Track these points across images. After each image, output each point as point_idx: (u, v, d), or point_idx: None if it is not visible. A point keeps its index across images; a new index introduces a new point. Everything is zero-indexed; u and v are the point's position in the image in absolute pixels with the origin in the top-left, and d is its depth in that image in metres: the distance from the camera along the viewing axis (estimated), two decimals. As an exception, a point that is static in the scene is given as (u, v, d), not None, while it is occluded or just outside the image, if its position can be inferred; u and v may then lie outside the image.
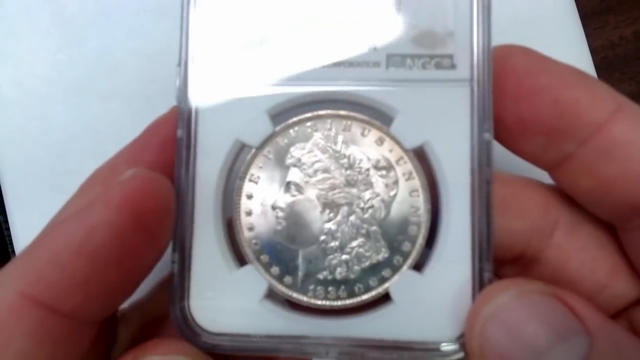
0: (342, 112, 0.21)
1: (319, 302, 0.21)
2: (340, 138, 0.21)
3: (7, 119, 0.33)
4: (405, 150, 0.21)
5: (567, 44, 0.32)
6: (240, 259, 0.21)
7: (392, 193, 0.21)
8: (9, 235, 0.33)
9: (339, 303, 0.21)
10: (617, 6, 0.35)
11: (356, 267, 0.21)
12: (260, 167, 0.22)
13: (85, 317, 0.19)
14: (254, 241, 0.21)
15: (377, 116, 0.21)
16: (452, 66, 0.21)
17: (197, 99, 0.21)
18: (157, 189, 0.19)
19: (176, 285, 0.21)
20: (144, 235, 0.19)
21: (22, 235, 0.32)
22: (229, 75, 0.22)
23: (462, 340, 0.20)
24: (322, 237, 0.21)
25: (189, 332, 0.21)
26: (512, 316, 0.17)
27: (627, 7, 0.35)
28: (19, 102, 0.33)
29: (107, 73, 0.32)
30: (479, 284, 0.20)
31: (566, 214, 0.21)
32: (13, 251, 0.33)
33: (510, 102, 0.20)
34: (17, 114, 0.33)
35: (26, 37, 0.33)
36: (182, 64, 0.21)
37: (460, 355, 0.20)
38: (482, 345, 0.18)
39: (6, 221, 0.32)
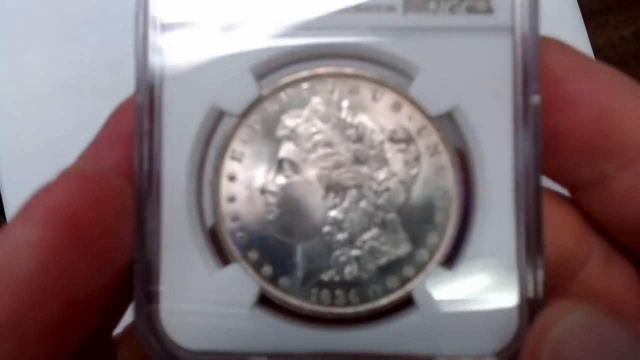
0: (348, 70, 0.17)
1: (325, 310, 0.17)
2: (345, 103, 0.17)
3: (5, 116, 0.33)
4: (429, 118, 0.17)
5: (569, 44, 0.31)
6: (223, 257, 0.17)
7: (413, 172, 0.17)
8: None
9: (350, 310, 0.17)
10: (617, 6, 0.35)
11: (370, 265, 0.17)
12: (245, 141, 0.17)
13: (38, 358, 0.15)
14: (239, 234, 0.17)
15: (393, 75, 0.17)
16: (489, 10, 0.16)
17: (162, 54, 0.17)
18: (98, 189, 0.15)
19: (141, 293, 0.17)
20: (84, 253, 0.15)
21: None
22: (202, 24, 0.17)
23: (507, 354, 0.16)
24: (326, 228, 0.17)
25: (161, 351, 0.17)
26: (590, 337, 0.14)
27: (627, 7, 0.35)
28: (17, 100, 0.33)
29: (106, 70, 0.33)
30: (528, 282, 0.16)
31: (600, 245, 0.18)
32: None
33: (545, 108, 0.17)
34: (15, 112, 0.33)
35: (24, 34, 0.34)
36: (142, 7, 0.17)
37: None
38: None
39: (5, 220, 0.34)
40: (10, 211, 0.32)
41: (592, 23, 0.33)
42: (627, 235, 0.18)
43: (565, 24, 0.32)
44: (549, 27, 0.31)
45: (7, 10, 0.34)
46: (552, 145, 0.17)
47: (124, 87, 0.32)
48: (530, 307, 0.16)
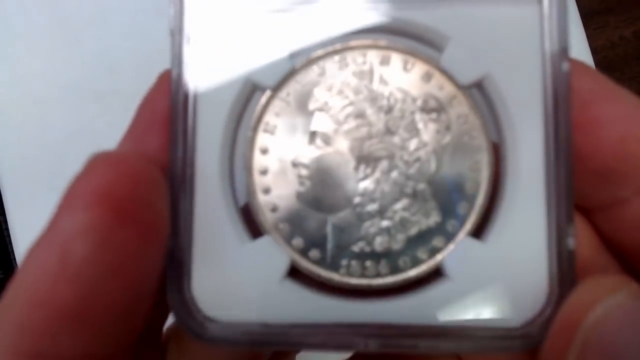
0: (379, 42, 0.17)
1: (354, 281, 0.17)
2: (376, 74, 0.17)
3: (5, 119, 0.33)
4: (460, 87, 0.17)
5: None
6: (254, 230, 0.17)
7: (444, 141, 0.17)
8: (9, 235, 0.34)
9: (380, 281, 0.17)
10: (617, 6, 0.35)
11: (400, 236, 0.17)
12: (277, 114, 0.17)
13: (104, 351, 0.15)
14: (271, 207, 0.17)
15: (423, 46, 0.17)
16: (517, -20, 0.17)
17: (196, 30, 0.17)
18: (127, 168, 0.15)
19: (174, 266, 0.17)
20: (132, 228, 0.15)
21: (21, 235, 0.33)
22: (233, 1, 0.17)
23: (536, 324, 0.16)
24: (357, 200, 0.17)
25: (193, 323, 0.17)
26: (632, 322, 0.14)
27: (627, 7, 0.35)
28: (17, 103, 0.33)
29: (105, 73, 0.33)
30: (558, 252, 0.16)
31: (615, 262, 0.18)
32: (12, 250, 0.34)
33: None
34: (15, 114, 0.33)
35: (24, 37, 0.34)
36: (177, -14, 0.17)
37: (532, 343, 0.16)
38: (590, 344, 0.14)
39: (5, 221, 0.33)
40: (10, 211, 0.33)
41: (592, 23, 0.34)
42: (638, 258, 0.17)
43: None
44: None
45: (7, 14, 0.34)
46: (574, 168, 0.17)
47: (123, 91, 0.34)
48: (560, 277, 0.16)
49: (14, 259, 0.33)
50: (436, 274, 0.17)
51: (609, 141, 0.16)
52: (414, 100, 0.17)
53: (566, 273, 0.16)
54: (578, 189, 0.17)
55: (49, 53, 0.33)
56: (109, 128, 0.31)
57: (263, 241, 0.17)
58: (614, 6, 0.35)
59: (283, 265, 0.17)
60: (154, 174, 0.16)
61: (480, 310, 0.16)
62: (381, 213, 0.17)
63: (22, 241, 0.33)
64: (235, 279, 0.17)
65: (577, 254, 0.16)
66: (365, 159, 0.17)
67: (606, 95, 0.16)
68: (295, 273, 0.17)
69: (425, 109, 0.17)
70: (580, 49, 0.32)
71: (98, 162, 0.15)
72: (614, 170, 0.16)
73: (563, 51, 0.16)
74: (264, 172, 0.17)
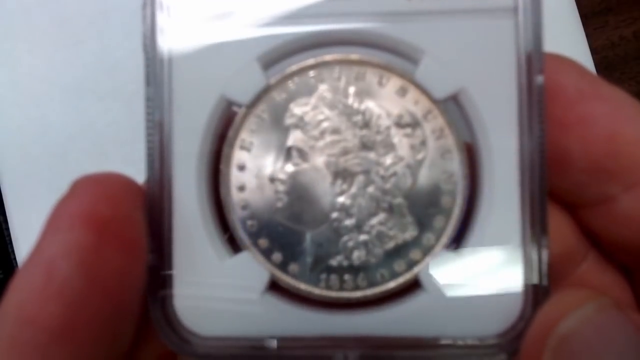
0: (354, 57, 0.17)
1: (333, 294, 0.17)
2: (352, 89, 0.17)
3: (5, 119, 0.33)
4: (435, 102, 0.17)
5: (567, 44, 0.32)
6: (234, 245, 0.17)
7: (419, 156, 0.17)
8: (9, 235, 0.34)
9: (358, 294, 0.17)
10: (617, 6, 0.35)
11: (377, 250, 0.17)
12: (253, 131, 0.17)
13: None
14: (249, 222, 0.17)
15: (398, 60, 0.17)
16: (492, -8, 0.16)
17: (169, 46, 0.17)
18: (108, 187, 0.16)
19: (156, 281, 0.17)
20: (114, 245, 0.15)
21: (21, 235, 0.33)
22: (208, 16, 0.17)
23: (510, 336, 0.16)
24: (334, 214, 0.17)
25: (174, 337, 0.17)
26: (597, 334, 0.14)
27: (627, 7, 0.35)
28: (18, 103, 0.33)
29: (106, 73, 0.33)
30: (533, 265, 0.16)
31: (594, 251, 0.19)
32: (13, 251, 0.34)
33: (557, 129, 0.16)
34: (15, 115, 0.33)
35: (25, 37, 0.34)
36: (149, 3, 0.17)
37: (506, 354, 0.16)
38: (559, 353, 0.14)
39: (6, 221, 0.34)
40: (10, 212, 0.33)
41: (592, 23, 0.34)
42: (625, 252, 0.18)
43: (563, 24, 0.32)
44: (547, 28, 0.31)
45: (8, 14, 0.34)
46: (561, 165, 0.17)
47: (124, 90, 0.33)
48: (534, 290, 0.16)
49: (14, 259, 0.34)
50: (414, 286, 0.17)
51: (597, 140, 0.16)
52: (389, 115, 0.17)
53: (541, 285, 0.16)
54: (566, 187, 0.17)
55: (49, 53, 0.33)
56: (109, 128, 0.31)
57: (242, 257, 0.17)
58: (613, 6, 0.35)
59: (263, 280, 0.17)
60: (133, 192, 0.16)
61: (457, 321, 0.17)
62: (358, 227, 0.17)
63: (22, 241, 0.33)
64: (216, 294, 0.17)
65: (563, 236, 0.17)
66: (341, 175, 0.17)
67: (593, 93, 0.16)
68: (275, 287, 0.17)
69: (400, 124, 0.17)
70: (580, 49, 0.32)
71: (80, 185, 0.16)
72: (602, 168, 0.16)
73: (537, 63, 0.16)
74: (241, 188, 0.17)
